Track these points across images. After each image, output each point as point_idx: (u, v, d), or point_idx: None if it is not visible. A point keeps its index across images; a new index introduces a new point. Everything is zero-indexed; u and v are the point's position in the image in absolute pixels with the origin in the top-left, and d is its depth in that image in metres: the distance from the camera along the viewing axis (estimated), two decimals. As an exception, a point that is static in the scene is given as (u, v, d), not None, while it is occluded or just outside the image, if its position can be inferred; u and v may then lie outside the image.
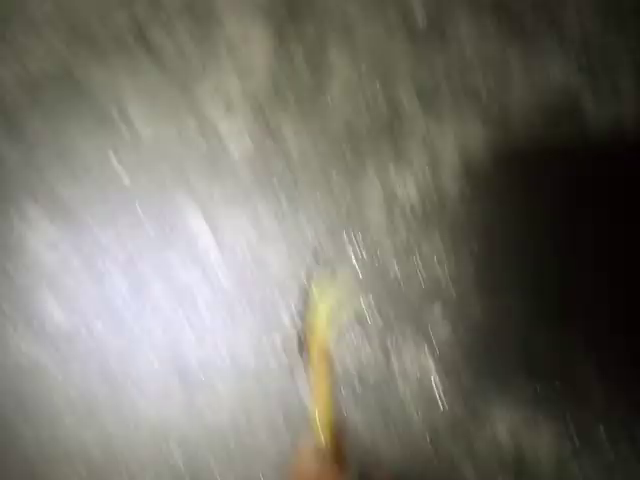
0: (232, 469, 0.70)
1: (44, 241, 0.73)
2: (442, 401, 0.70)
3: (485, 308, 0.71)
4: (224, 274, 0.71)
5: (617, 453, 0.68)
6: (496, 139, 0.72)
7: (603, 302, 0.70)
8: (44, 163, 0.74)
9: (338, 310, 0.64)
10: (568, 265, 0.70)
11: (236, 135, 0.73)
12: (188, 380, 0.70)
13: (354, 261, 0.72)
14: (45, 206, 0.74)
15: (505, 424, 0.69)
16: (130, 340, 0.71)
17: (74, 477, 0.71)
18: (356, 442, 0.68)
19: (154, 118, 0.74)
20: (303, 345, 0.57)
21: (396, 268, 0.72)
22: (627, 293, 0.69)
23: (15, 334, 0.71)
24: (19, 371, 0.71)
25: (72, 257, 0.73)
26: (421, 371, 0.70)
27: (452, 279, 0.71)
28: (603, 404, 0.68)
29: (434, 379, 0.70)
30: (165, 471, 0.70)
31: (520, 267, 0.71)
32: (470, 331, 0.70)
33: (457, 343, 0.70)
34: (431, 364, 0.70)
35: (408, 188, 0.72)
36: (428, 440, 0.69)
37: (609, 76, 0.71)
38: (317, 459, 0.45)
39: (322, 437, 0.49)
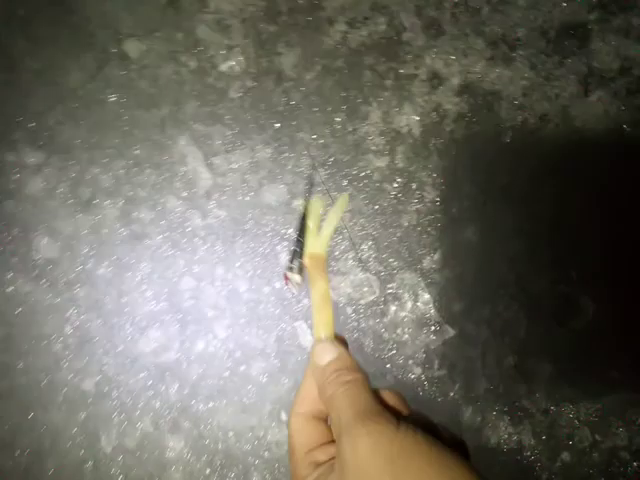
0: (225, 399, 0.71)
1: (42, 184, 0.72)
2: (435, 324, 0.70)
3: (478, 233, 0.70)
4: (222, 213, 0.71)
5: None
6: (496, 61, 0.70)
7: (596, 235, 0.69)
8: (43, 106, 0.73)
9: (334, 233, 0.63)
10: (564, 187, 0.70)
11: (235, 72, 0.72)
12: (185, 319, 0.70)
13: (348, 183, 0.71)
14: (44, 150, 0.73)
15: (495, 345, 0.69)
16: (128, 282, 0.71)
17: (64, 407, 0.71)
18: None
19: (153, 55, 0.73)
20: (301, 267, 0.57)
21: (392, 193, 0.71)
22: (617, 221, 0.69)
23: (12, 274, 0.71)
24: (14, 307, 0.71)
25: (70, 200, 0.72)
26: (414, 295, 0.70)
27: (447, 205, 0.71)
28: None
29: (426, 302, 0.70)
30: (160, 404, 0.70)
31: (517, 190, 0.70)
32: (463, 256, 0.70)
33: (450, 268, 0.70)
34: (424, 288, 0.70)
35: (407, 109, 0.71)
36: (418, 363, 0.70)
37: (622, 15, 0.69)
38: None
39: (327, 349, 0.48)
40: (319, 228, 0.61)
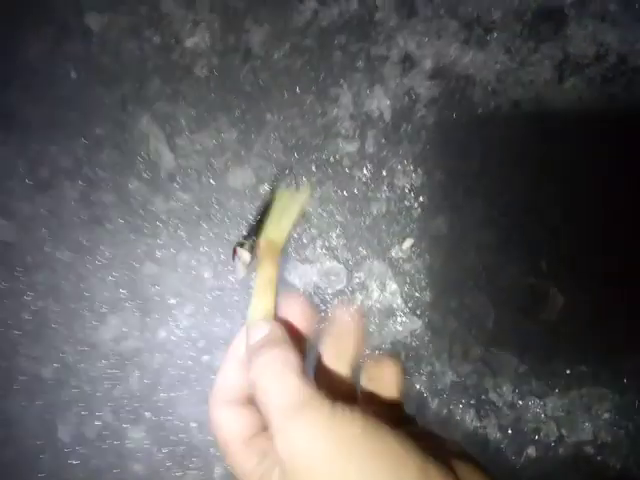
0: (188, 389, 0.69)
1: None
2: (401, 314, 0.69)
3: (448, 222, 0.69)
4: (186, 197, 0.69)
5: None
6: (470, 45, 0.68)
7: (567, 225, 0.68)
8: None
9: (297, 220, 0.61)
10: (537, 176, 0.68)
11: (201, 48, 0.70)
12: (147, 306, 0.68)
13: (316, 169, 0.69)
14: (1, 128, 0.70)
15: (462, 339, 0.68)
16: (87, 267, 0.69)
17: (20, 395, 0.69)
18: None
19: (115, 29, 0.70)
20: (253, 248, 0.55)
21: (362, 179, 0.70)
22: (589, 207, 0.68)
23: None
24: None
25: (29, 181, 0.70)
26: (382, 285, 0.69)
27: (418, 193, 0.69)
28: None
29: (394, 292, 0.69)
30: (120, 393, 0.69)
31: (488, 178, 0.68)
32: (432, 245, 0.69)
33: (419, 257, 0.69)
34: (392, 277, 0.69)
35: (377, 92, 0.69)
36: (385, 354, 0.69)
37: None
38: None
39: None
40: (282, 217, 0.59)
